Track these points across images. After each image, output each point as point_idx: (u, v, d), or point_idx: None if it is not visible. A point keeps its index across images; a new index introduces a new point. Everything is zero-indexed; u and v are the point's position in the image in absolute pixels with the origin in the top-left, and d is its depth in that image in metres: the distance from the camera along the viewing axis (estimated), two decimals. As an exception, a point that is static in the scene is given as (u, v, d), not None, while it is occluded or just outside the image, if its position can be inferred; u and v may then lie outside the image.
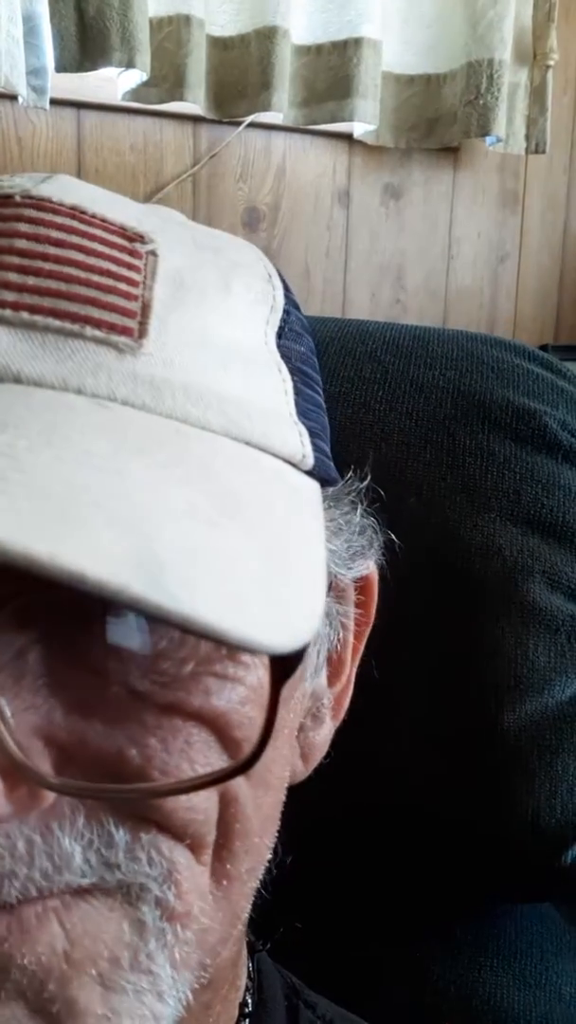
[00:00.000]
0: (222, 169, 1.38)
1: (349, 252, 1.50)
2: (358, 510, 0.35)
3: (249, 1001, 0.37)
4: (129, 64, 1.14)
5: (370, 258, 1.52)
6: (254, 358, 0.31)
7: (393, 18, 1.36)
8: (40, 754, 0.25)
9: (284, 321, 0.33)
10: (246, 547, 0.24)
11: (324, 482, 0.33)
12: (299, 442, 0.31)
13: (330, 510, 0.33)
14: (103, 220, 0.30)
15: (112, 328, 0.28)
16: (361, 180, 1.49)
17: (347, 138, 1.45)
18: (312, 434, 0.32)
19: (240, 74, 1.26)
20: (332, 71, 1.30)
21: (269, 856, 0.32)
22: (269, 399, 0.31)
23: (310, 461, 0.31)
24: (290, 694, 0.31)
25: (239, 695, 0.28)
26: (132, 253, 0.30)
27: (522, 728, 0.43)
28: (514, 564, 0.44)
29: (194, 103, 1.24)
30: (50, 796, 0.25)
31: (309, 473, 0.32)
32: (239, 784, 0.28)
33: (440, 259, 1.57)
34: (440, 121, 1.41)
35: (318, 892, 0.47)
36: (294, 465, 0.31)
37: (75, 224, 0.29)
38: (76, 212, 0.30)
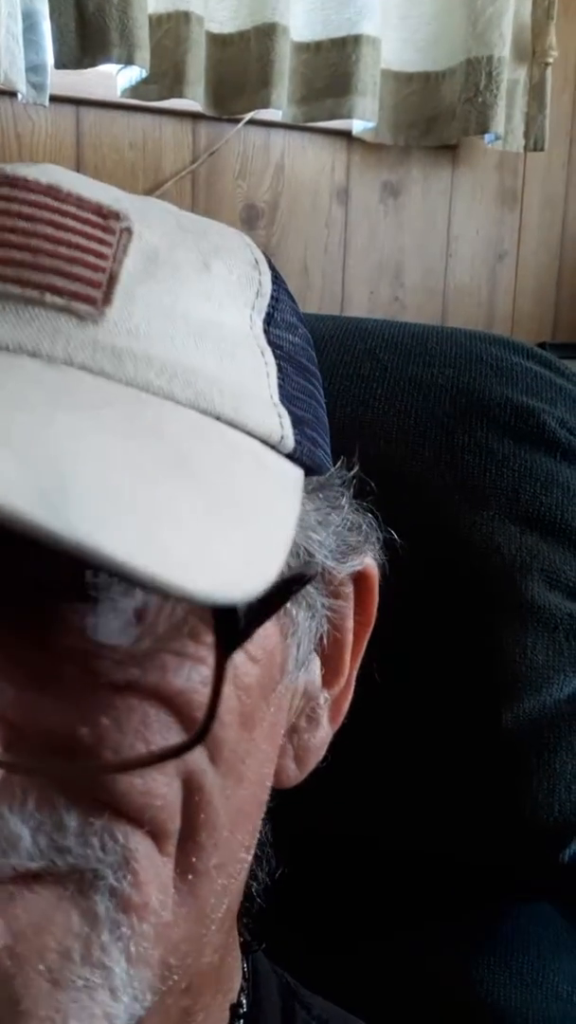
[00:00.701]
0: (221, 166, 1.38)
1: (348, 249, 1.50)
2: (344, 498, 0.35)
3: (244, 1002, 0.36)
4: (128, 61, 1.14)
5: (369, 255, 1.52)
6: (233, 338, 0.31)
7: (392, 15, 1.36)
8: None
9: (272, 308, 0.33)
10: (185, 500, 0.24)
11: (309, 470, 0.32)
12: (277, 424, 0.30)
13: (316, 499, 0.33)
14: (78, 198, 0.30)
15: (75, 296, 0.28)
16: (360, 178, 1.48)
17: (346, 135, 1.45)
18: (298, 421, 0.32)
19: (239, 71, 1.26)
20: (331, 68, 1.30)
21: (246, 856, 0.31)
22: (247, 380, 0.30)
23: (290, 444, 0.31)
24: (264, 684, 0.30)
25: (200, 675, 0.27)
26: (105, 229, 0.30)
27: (520, 726, 0.43)
28: (512, 562, 0.44)
29: (193, 100, 1.24)
30: None
31: (290, 457, 0.31)
32: (203, 771, 0.27)
33: (438, 257, 1.57)
34: (439, 119, 1.41)
35: (313, 891, 0.47)
36: (272, 447, 0.30)
37: (48, 200, 0.29)
38: (51, 190, 0.30)
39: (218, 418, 0.29)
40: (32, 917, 0.25)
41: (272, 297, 0.33)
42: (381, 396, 0.47)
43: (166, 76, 1.21)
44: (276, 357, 0.32)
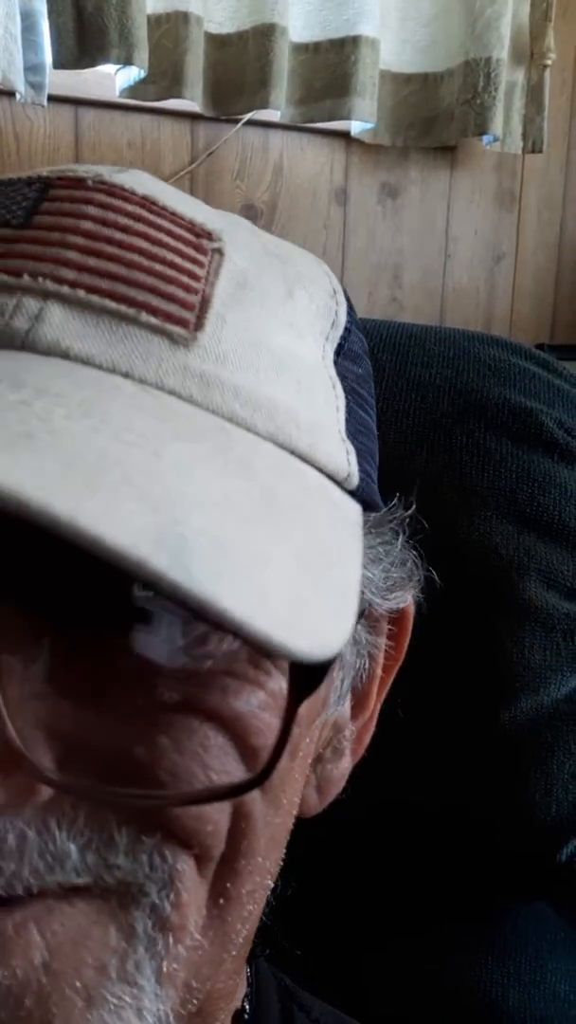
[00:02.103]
0: (219, 167, 1.38)
1: (346, 250, 1.50)
2: (399, 540, 0.34)
3: (247, 1007, 0.36)
4: (127, 61, 1.14)
5: (367, 256, 1.52)
6: (309, 370, 0.30)
7: (391, 16, 1.36)
8: (42, 746, 0.24)
9: (344, 339, 0.33)
10: (280, 548, 0.23)
11: (367, 506, 0.32)
12: (345, 460, 0.30)
13: (370, 536, 0.32)
14: (173, 213, 0.30)
15: (168, 317, 0.27)
16: (358, 178, 1.49)
17: (344, 136, 1.45)
18: (360, 455, 0.31)
19: (238, 72, 1.26)
20: (330, 69, 1.30)
21: (270, 883, 0.30)
22: (320, 412, 0.30)
23: (355, 481, 0.30)
24: (311, 716, 0.30)
25: (259, 700, 0.27)
26: (198, 248, 0.29)
27: (518, 726, 0.43)
28: (510, 562, 0.44)
29: (192, 100, 1.24)
30: (45, 792, 0.24)
31: (352, 493, 0.31)
32: (253, 800, 0.27)
33: (437, 258, 1.57)
34: (437, 120, 1.41)
35: (311, 892, 0.47)
36: (338, 483, 0.30)
37: (144, 213, 0.29)
38: (147, 202, 0.29)
39: (293, 452, 0.28)
40: (70, 932, 0.25)
41: (345, 328, 0.33)
42: (379, 396, 0.47)
43: (165, 76, 1.21)
44: (344, 390, 0.32)
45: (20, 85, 1.13)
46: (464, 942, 0.47)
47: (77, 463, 0.21)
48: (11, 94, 1.18)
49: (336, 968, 0.47)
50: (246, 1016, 0.36)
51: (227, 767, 0.26)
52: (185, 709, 0.26)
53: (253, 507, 0.24)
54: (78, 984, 0.24)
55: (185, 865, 0.26)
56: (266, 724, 0.26)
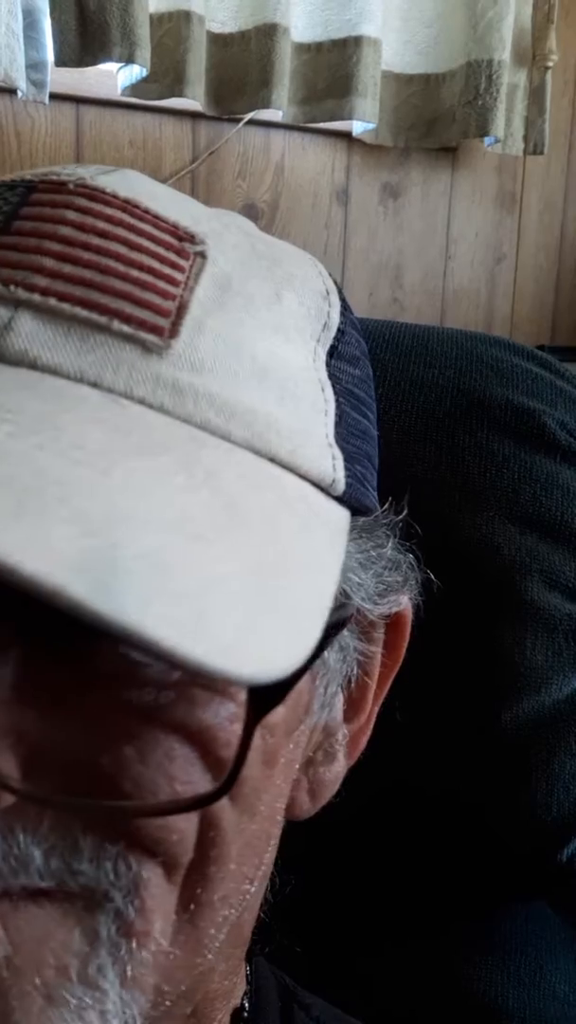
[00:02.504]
0: (221, 166, 1.38)
1: (347, 251, 1.50)
2: (390, 543, 0.34)
3: (246, 1006, 0.36)
4: (129, 59, 1.14)
5: (368, 257, 1.52)
6: (296, 374, 0.30)
7: (393, 17, 1.36)
8: (7, 753, 0.24)
9: (338, 341, 0.32)
10: (233, 566, 0.23)
11: (357, 511, 0.31)
12: (330, 465, 0.30)
13: (360, 540, 0.32)
14: (156, 216, 0.29)
15: (142, 325, 0.27)
16: (360, 179, 1.49)
17: (346, 136, 1.45)
18: (350, 459, 0.31)
19: (240, 71, 1.26)
20: (332, 69, 1.30)
21: (249, 887, 0.30)
22: (304, 418, 0.29)
23: (340, 487, 0.30)
24: (289, 725, 0.30)
25: (228, 711, 0.26)
26: (179, 252, 0.29)
27: (519, 726, 0.43)
28: (512, 563, 0.44)
29: (194, 99, 1.24)
30: (6, 799, 0.24)
31: (339, 499, 0.30)
32: (222, 808, 0.27)
33: (438, 259, 1.57)
34: (439, 121, 1.41)
35: (313, 892, 0.47)
36: (323, 489, 0.30)
37: (125, 217, 0.28)
38: (128, 205, 0.29)
39: (272, 459, 0.28)
40: (34, 931, 0.25)
41: (339, 330, 0.33)
42: (382, 396, 0.47)
43: (167, 75, 1.21)
44: (335, 392, 0.31)
45: (21, 83, 1.13)
46: (464, 942, 0.47)
47: (11, 485, 0.20)
48: (12, 92, 1.18)
49: (336, 967, 0.47)
50: (245, 1014, 0.36)
51: (192, 778, 0.26)
52: (151, 720, 0.25)
53: (211, 523, 0.23)
54: (38, 982, 0.24)
55: (150, 873, 0.26)
56: (235, 735, 0.26)
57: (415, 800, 0.45)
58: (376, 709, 0.35)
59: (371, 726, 0.35)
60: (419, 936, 0.48)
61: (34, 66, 1.16)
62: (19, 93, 1.16)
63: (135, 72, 1.21)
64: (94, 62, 1.15)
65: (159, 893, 0.26)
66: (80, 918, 0.25)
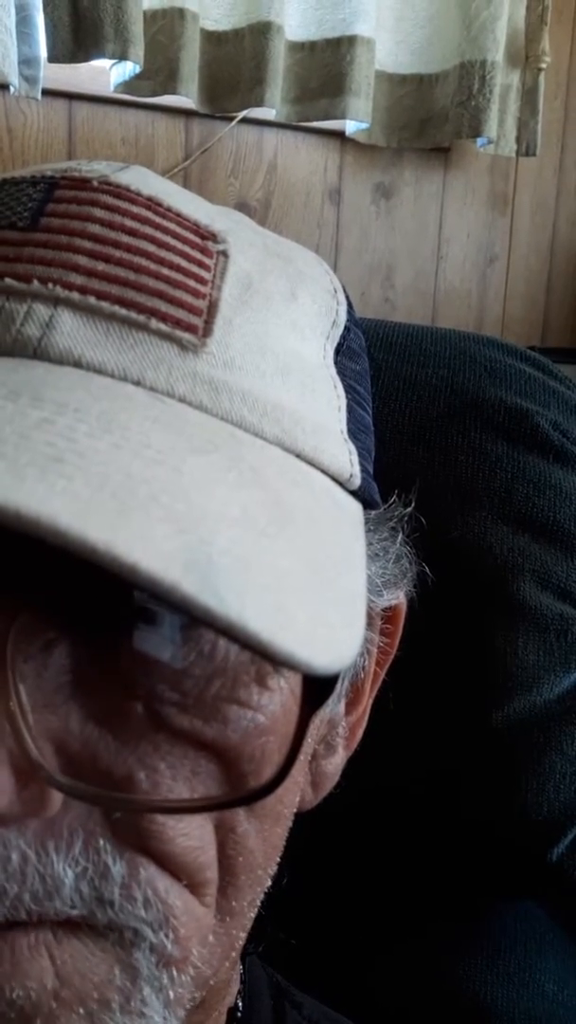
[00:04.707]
0: (213, 164, 1.38)
1: (339, 250, 1.50)
2: (398, 538, 0.34)
3: (239, 1004, 0.36)
4: (122, 56, 1.14)
5: (360, 256, 1.52)
6: (312, 371, 0.30)
7: (387, 17, 1.36)
8: (50, 758, 0.24)
9: (344, 338, 0.33)
10: (295, 560, 0.24)
11: (367, 504, 0.32)
12: (348, 460, 0.30)
13: (369, 534, 0.32)
14: (178, 214, 0.29)
15: (177, 323, 0.27)
16: (352, 178, 1.49)
17: (339, 136, 1.45)
18: (360, 455, 0.31)
19: (233, 69, 1.26)
20: (325, 68, 1.30)
21: (268, 883, 0.31)
22: (323, 414, 0.30)
23: (357, 481, 0.31)
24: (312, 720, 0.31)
25: (257, 725, 0.27)
26: (203, 251, 0.29)
27: (510, 726, 0.43)
28: (504, 562, 0.44)
29: (186, 97, 1.24)
30: (54, 805, 0.24)
31: (354, 494, 0.31)
32: (238, 816, 0.27)
33: (429, 259, 1.57)
34: (432, 121, 1.41)
35: (300, 892, 0.47)
36: (341, 484, 0.30)
37: (150, 215, 0.29)
38: (152, 203, 0.29)
39: (299, 455, 0.28)
40: (78, 964, 0.25)
41: (345, 327, 0.33)
42: (375, 395, 0.47)
43: (160, 72, 1.21)
44: (345, 389, 0.32)
45: (14, 78, 1.13)
46: (454, 941, 0.47)
47: (107, 485, 0.21)
48: (5, 87, 1.17)
49: (325, 966, 0.47)
50: (239, 1013, 0.36)
51: (210, 792, 0.26)
52: (184, 737, 0.26)
53: (268, 520, 0.24)
54: (82, 1011, 0.25)
55: (178, 899, 0.26)
56: (260, 751, 0.27)
57: (405, 798, 0.45)
58: (371, 701, 0.36)
59: (366, 717, 0.36)
60: (409, 935, 0.48)
61: (27, 62, 1.16)
62: (11, 89, 1.16)
63: (128, 69, 1.21)
64: (87, 58, 1.15)
65: (190, 920, 0.26)
66: (117, 954, 0.25)
